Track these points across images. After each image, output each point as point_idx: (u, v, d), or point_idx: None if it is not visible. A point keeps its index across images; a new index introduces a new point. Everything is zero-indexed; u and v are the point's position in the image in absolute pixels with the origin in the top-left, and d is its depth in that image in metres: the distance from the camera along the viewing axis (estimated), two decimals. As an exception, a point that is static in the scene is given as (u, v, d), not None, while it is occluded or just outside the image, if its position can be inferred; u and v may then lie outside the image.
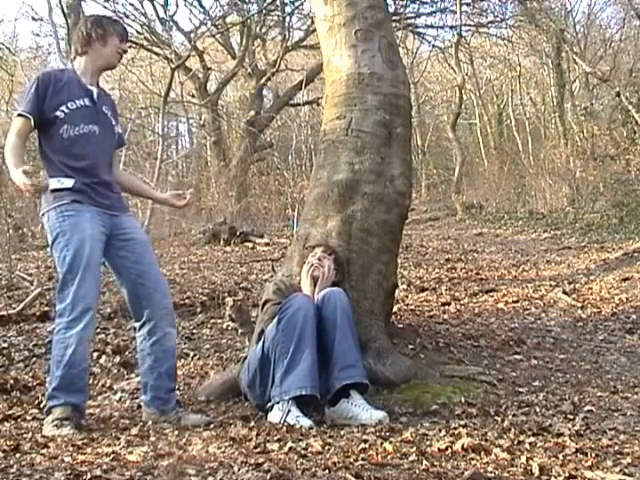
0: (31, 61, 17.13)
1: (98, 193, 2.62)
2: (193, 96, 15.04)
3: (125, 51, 2.80)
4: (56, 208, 2.55)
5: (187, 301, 4.83)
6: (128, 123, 11.68)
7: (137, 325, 2.71)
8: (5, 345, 3.84)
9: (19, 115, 2.59)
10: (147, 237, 2.93)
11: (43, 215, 2.60)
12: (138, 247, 2.69)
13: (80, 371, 2.52)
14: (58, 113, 2.58)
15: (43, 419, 2.50)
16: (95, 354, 3.61)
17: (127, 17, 13.01)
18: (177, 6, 30.94)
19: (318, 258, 2.96)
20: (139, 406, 2.75)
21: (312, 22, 11.21)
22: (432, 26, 15.31)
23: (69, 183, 2.54)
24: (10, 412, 2.71)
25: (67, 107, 2.59)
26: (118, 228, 2.66)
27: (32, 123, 2.57)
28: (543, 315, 4.77)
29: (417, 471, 1.90)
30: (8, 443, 2.17)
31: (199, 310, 4.65)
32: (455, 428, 2.38)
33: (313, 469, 1.90)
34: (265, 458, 2.00)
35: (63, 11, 8.54)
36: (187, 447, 2.18)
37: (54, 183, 2.55)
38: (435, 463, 1.98)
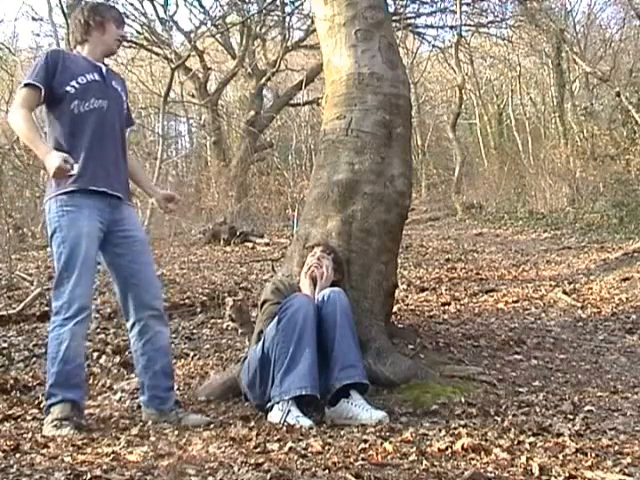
0: (31, 61, 17.08)
1: (105, 171, 2.59)
2: (193, 96, 15.04)
3: (124, 36, 2.81)
4: (57, 199, 2.54)
5: (187, 301, 4.83)
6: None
7: (128, 325, 2.71)
8: (5, 345, 3.84)
9: (25, 85, 2.54)
10: (146, 236, 2.92)
11: (46, 203, 2.60)
12: (135, 246, 2.68)
13: (75, 367, 2.52)
14: (68, 88, 2.56)
15: (43, 419, 2.50)
16: (95, 354, 3.62)
17: (127, 17, 12.99)
18: (177, 6, 31.00)
19: (317, 258, 2.95)
20: (139, 406, 2.75)
21: (312, 22, 11.21)
22: (432, 26, 15.31)
23: (75, 169, 2.49)
24: (10, 412, 2.72)
25: (77, 82, 2.58)
26: (118, 224, 2.65)
27: (41, 94, 2.53)
28: (543, 315, 4.77)
29: (417, 471, 1.90)
30: (8, 443, 2.16)
31: (199, 310, 4.65)
32: (455, 428, 2.37)
33: (313, 469, 1.90)
34: (265, 458, 2.00)
35: (63, 11, 8.54)
36: (187, 447, 2.18)
37: None
38: (435, 463, 1.98)
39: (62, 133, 2.58)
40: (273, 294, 2.94)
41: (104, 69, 2.71)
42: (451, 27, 14.53)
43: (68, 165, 2.42)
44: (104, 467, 1.90)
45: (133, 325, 2.68)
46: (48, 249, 6.56)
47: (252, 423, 2.52)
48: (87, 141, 2.58)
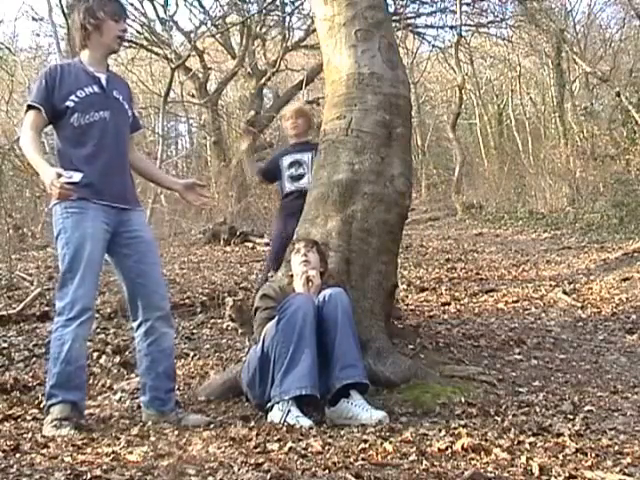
0: (31, 61, 17.10)
1: (107, 183, 2.62)
2: (193, 96, 15.02)
3: (125, 30, 2.81)
4: (61, 203, 2.56)
5: (187, 301, 4.83)
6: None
7: (134, 325, 2.71)
8: (5, 345, 3.84)
9: (29, 107, 2.61)
10: (153, 237, 2.92)
11: (52, 208, 2.64)
12: (142, 246, 2.69)
13: (77, 368, 2.52)
14: (68, 103, 2.60)
15: (43, 419, 2.51)
16: (95, 354, 3.61)
17: (127, 17, 12.99)
18: (177, 6, 30.75)
19: (303, 254, 2.94)
20: (139, 406, 2.75)
21: (312, 22, 11.20)
22: (432, 26, 15.24)
23: (77, 177, 2.52)
24: (10, 412, 2.71)
25: (76, 96, 2.61)
26: (124, 225, 2.67)
27: (44, 114, 2.59)
28: (543, 315, 4.77)
29: (417, 471, 1.90)
30: (8, 443, 2.17)
31: (199, 310, 4.65)
32: (455, 428, 2.38)
33: (313, 469, 1.90)
34: (265, 458, 2.00)
35: (63, 11, 8.51)
36: (187, 447, 2.18)
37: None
38: (435, 463, 1.98)
39: (66, 147, 2.63)
40: (262, 300, 2.94)
41: (104, 79, 2.71)
42: (451, 27, 14.49)
43: (63, 178, 2.42)
44: (104, 467, 1.90)
45: (139, 325, 2.68)
46: (48, 249, 6.56)
47: (252, 423, 2.52)
48: (90, 154, 2.61)
